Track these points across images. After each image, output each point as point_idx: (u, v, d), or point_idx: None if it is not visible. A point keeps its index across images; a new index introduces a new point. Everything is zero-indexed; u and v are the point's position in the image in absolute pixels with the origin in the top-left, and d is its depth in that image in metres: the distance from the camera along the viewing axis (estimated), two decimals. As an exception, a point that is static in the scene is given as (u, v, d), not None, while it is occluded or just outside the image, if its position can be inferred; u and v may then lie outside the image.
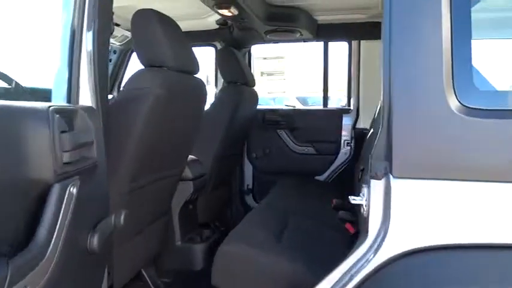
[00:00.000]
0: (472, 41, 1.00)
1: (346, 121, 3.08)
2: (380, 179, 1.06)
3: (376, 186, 1.06)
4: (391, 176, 1.04)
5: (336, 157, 3.07)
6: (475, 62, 1.00)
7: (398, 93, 1.03)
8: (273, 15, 2.58)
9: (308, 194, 2.47)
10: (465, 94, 0.99)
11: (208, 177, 2.43)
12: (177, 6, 2.47)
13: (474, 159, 0.97)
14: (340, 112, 3.12)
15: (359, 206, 1.16)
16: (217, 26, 2.92)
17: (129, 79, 1.60)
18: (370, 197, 1.07)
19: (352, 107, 3.11)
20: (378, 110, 2.62)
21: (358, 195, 1.17)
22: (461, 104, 0.99)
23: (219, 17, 2.66)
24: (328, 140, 3.09)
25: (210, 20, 2.82)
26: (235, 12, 2.27)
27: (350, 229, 1.76)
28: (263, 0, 2.47)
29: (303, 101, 11.38)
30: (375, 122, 2.61)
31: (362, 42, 3.01)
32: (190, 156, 2.21)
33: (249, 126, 3.02)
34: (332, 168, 3.08)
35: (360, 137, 3.00)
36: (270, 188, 2.70)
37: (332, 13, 2.79)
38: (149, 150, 1.61)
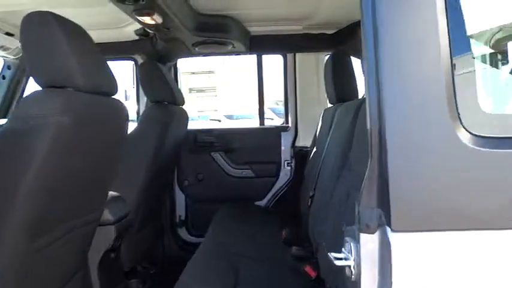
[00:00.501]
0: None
1: (285, 139, 2.87)
2: (373, 233, 0.81)
3: (369, 242, 0.81)
4: (388, 229, 0.79)
5: (277, 179, 2.83)
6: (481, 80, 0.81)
7: (391, 122, 0.79)
8: (202, 25, 2.29)
9: (253, 226, 2.19)
10: (472, 120, 0.79)
11: (133, 216, 2.03)
12: (87, 13, 2.07)
13: (495, 201, 0.76)
14: (278, 130, 2.90)
15: (343, 267, 0.89)
16: (136, 37, 2.54)
17: (19, 104, 1.20)
18: (361, 257, 0.82)
19: (290, 124, 2.91)
20: (319, 127, 2.45)
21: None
22: (468, 131, 0.78)
23: (139, 26, 2.30)
24: (267, 161, 2.85)
25: (128, 29, 2.44)
26: (159, 20, 1.93)
27: (310, 273, 1.50)
28: (191, 8, 2.16)
29: (229, 116, 11.22)
30: (317, 140, 2.43)
31: (297, 55, 2.84)
32: (111, 193, 1.80)
33: (179, 150, 2.66)
34: (273, 191, 2.84)
35: (300, 156, 2.81)
36: (206, 219, 2.37)
37: (266, 24, 2.57)
38: (53, 196, 1.21)
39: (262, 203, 2.82)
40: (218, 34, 2.34)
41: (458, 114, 0.79)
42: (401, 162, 0.79)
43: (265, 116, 3.14)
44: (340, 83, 2.14)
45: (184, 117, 2.62)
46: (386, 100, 0.80)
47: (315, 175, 2.02)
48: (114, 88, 1.42)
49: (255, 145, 2.85)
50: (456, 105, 0.79)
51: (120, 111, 1.51)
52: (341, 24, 2.58)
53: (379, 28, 0.80)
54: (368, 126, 0.83)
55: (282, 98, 2.95)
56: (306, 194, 2.09)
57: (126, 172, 1.98)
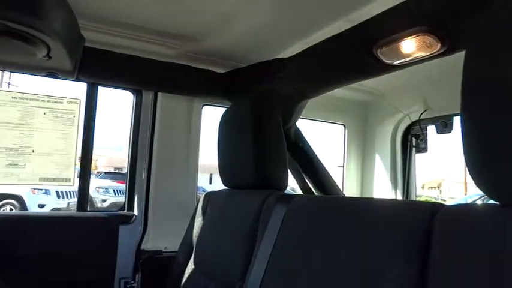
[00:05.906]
0: None
1: (127, 237, 1.61)
2: None
3: None
4: None
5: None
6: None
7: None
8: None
9: None
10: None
11: None
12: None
13: None
14: (116, 220, 1.62)
15: None
16: None
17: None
18: None
19: (136, 210, 1.68)
20: (197, 216, 1.34)
21: None
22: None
23: None
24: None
25: None
26: None
27: None
28: None
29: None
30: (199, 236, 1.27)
31: (160, 95, 1.73)
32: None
33: None
34: None
35: (148, 270, 1.59)
36: None
37: (114, 31, 1.42)
38: None
39: None
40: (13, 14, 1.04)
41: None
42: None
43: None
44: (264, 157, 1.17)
45: None
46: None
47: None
48: None
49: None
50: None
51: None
52: (238, 62, 1.66)
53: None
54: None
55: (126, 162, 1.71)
56: None
57: None
